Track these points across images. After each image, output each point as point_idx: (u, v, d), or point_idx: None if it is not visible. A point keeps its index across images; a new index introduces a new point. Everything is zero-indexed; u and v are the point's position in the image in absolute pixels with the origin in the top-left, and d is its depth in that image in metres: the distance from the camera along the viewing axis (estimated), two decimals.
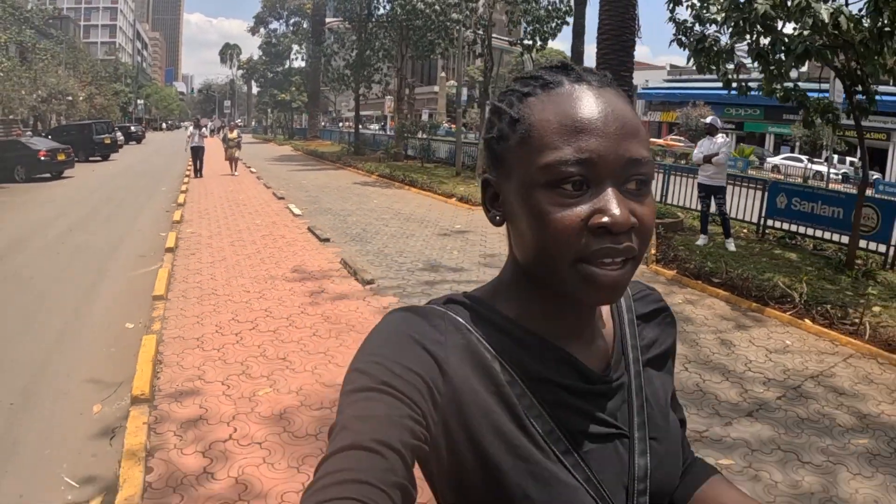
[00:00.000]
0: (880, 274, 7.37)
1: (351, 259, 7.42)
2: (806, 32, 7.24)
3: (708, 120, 9.24)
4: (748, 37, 7.80)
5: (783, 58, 7.55)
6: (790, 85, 8.48)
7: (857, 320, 5.53)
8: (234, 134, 18.76)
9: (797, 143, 34.91)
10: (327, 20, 34.90)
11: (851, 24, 6.75)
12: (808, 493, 3.06)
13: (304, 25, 39.61)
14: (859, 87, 7.76)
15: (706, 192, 8.56)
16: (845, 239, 8.28)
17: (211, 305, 5.73)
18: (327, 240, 8.75)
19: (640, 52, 12.22)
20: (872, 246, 8.19)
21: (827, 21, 6.55)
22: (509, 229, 0.68)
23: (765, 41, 7.71)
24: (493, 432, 0.63)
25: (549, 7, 17.57)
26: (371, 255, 7.83)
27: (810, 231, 9.09)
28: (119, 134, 30.62)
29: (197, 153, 17.94)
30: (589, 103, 0.60)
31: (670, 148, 35.35)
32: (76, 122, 29.93)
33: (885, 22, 6.59)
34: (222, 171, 18.77)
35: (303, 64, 39.54)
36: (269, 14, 42.28)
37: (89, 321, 5.49)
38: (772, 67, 7.78)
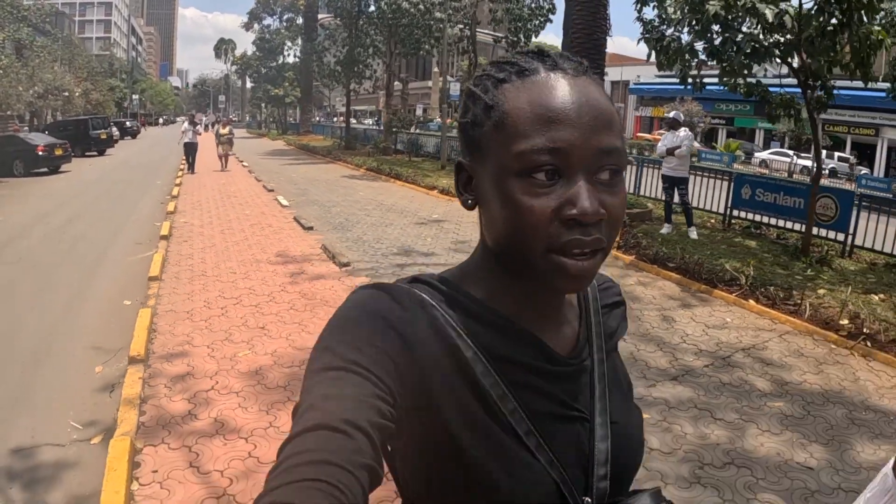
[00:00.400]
0: (835, 261, 7.88)
1: (331, 245, 8.04)
2: (756, 31, 7.83)
3: (671, 115, 9.78)
4: (707, 35, 8.37)
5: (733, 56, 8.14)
6: (752, 80, 9.01)
7: (799, 301, 5.87)
8: (226, 130, 18.60)
9: (786, 138, 35.39)
10: (320, 16, 35.36)
11: (797, 23, 7.33)
12: (714, 444, 3.44)
13: (298, 21, 40.03)
14: (819, 83, 8.29)
15: (670, 182, 9.10)
16: (798, 226, 8.83)
17: (200, 285, 6.34)
18: (311, 228, 9.37)
19: (635, 49, 12.67)
20: (833, 234, 8.58)
21: (771, 20, 7.13)
22: (481, 213, 0.68)
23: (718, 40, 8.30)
24: (458, 410, 0.63)
25: (532, 6, 18.13)
26: (350, 242, 8.45)
27: (773, 221, 9.58)
28: (115, 129, 31.17)
29: (189, 150, 17.71)
30: (563, 92, 0.61)
31: (657, 142, 35.86)
32: (73, 117, 30.40)
33: (826, 20, 7.15)
34: (215, 166, 19.20)
35: (296, 59, 39.95)
36: (262, 10, 42.66)
37: (91, 298, 6.09)
38: (725, 65, 8.36)
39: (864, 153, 32.48)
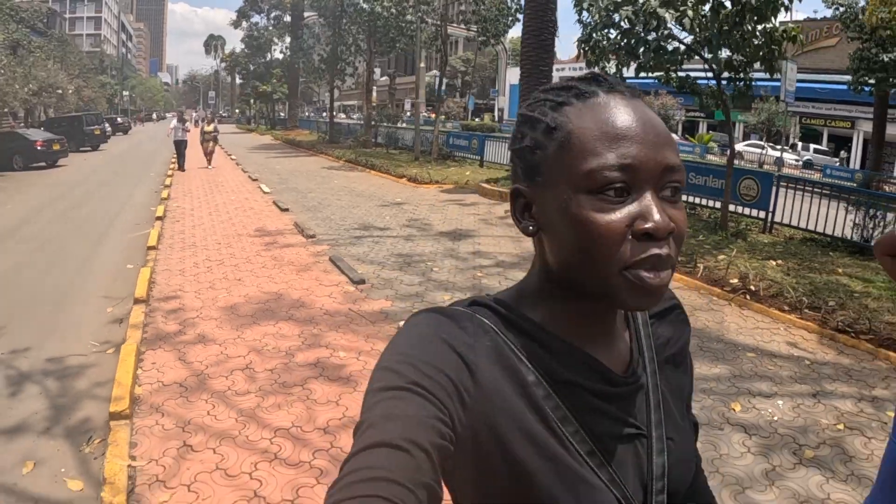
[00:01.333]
0: (751, 235, 9.18)
1: (301, 222, 9.39)
2: (664, 33, 9.18)
3: None
4: (626, 37, 9.72)
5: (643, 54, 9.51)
6: (683, 75, 10.35)
7: (696, 263, 6.87)
8: (211, 127, 18.49)
9: (762, 130, 36.53)
10: (306, 15, 36.52)
11: (696, 24, 8.65)
12: None
13: (286, 19, 41.12)
14: (737, 76, 9.60)
15: None
16: (732, 207, 10.11)
17: (190, 252, 7.67)
18: (287, 209, 10.71)
19: None
20: (756, 213, 9.88)
21: (670, 23, 8.45)
22: (542, 238, 0.68)
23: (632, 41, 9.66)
24: (521, 434, 0.64)
25: (500, 7, 19.44)
26: (319, 220, 9.79)
27: (706, 202, 10.90)
28: (107, 125, 32.26)
29: (179, 147, 17.75)
30: (626, 112, 0.62)
31: None
32: (67, 114, 31.48)
33: (722, 22, 8.48)
34: (203, 163, 20.29)
35: (283, 55, 41.06)
36: (251, 8, 43.68)
37: (99, 264, 7.40)
38: (640, 62, 9.73)
39: (841, 145, 33.71)
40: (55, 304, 5.92)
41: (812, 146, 33.00)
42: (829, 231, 8.90)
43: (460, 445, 0.60)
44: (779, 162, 22.47)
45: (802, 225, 9.29)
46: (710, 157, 31.90)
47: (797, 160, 30.83)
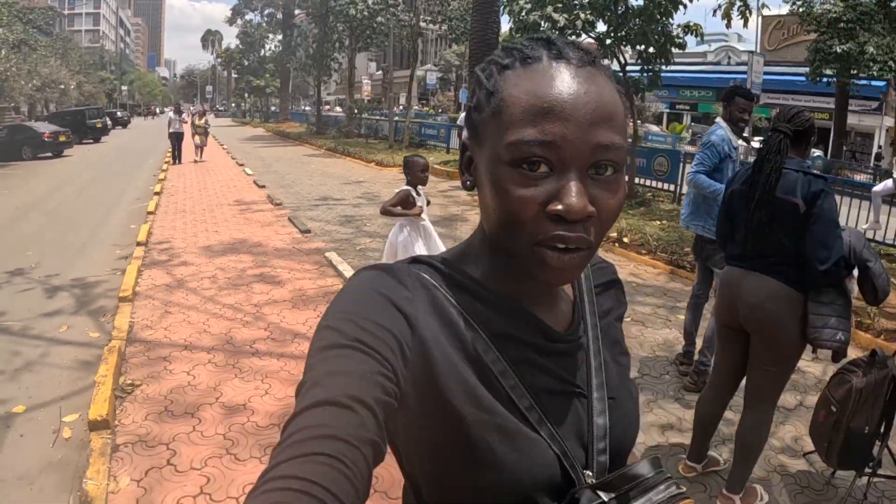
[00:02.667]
0: (656, 203, 11.04)
1: (273, 195, 11.38)
2: (569, 32, 11.05)
3: None
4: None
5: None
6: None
7: None
8: (202, 121, 18.44)
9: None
10: (296, 12, 38.35)
11: (587, 25, 10.52)
12: None
13: (278, 16, 42.92)
14: (647, 67, 11.45)
15: None
16: (650, 182, 11.92)
17: (181, 215, 9.64)
18: (263, 186, 12.70)
19: None
20: (668, 186, 11.63)
21: (563, 25, 10.33)
22: (479, 196, 0.68)
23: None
24: (460, 386, 0.64)
25: (466, 7, 21.32)
26: (289, 194, 11.77)
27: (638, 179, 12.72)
28: (108, 119, 34.18)
29: (175, 139, 17.90)
30: (563, 82, 0.60)
31: None
32: (70, 108, 33.42)
33: (586, 23, 10.36)
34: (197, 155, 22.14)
35: (274, 51, 42.86)
36: (245, 6, 45.44)
37: (108, 226, 9.35)
38: None
39: (821, 137, 35.11)
40: (76, 250, 7.87)
41: None
42: None
43: (403, 399, 0.61)
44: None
45: None
46: (686, 146, 33.12)
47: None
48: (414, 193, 4.37)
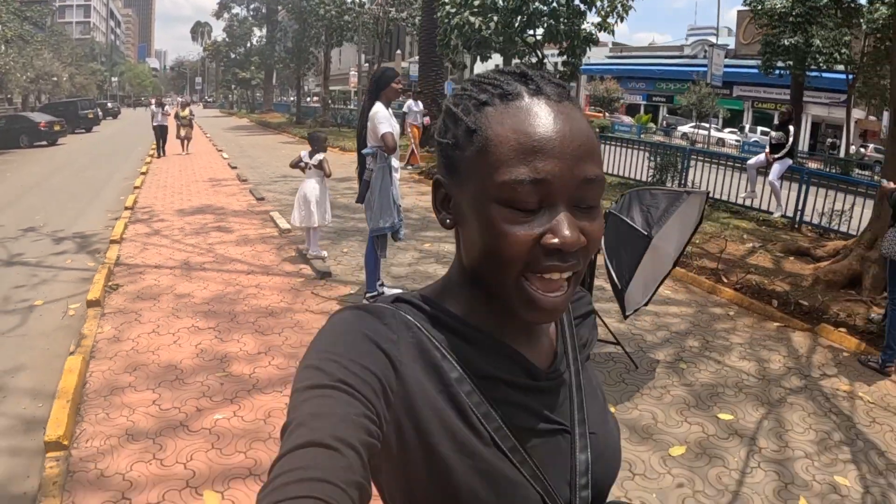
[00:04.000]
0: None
1: (242, 173, 13.34)
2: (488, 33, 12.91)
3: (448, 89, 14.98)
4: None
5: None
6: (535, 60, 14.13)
7: None
8: (186, 112, 18.19)
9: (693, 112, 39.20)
10: (279, 7, 40.01)
11: (500, 27, 12.38)
12: None
13: (263, 10, 44.50)
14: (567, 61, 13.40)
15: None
16: None
17: (162, 189, 11.59)
18: (235, 167, 14.65)
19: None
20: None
21: (478, 26, 12.20)
22: (458, 232, 0.69)
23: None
24: (443, 430, 0.65)
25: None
26: (256, 174, 13.73)
27: None
28: (99, 110, 35.88)
29: (160, 133, 17.78)
30: (547, 121, 0.61)
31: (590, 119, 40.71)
32: (63, 99, 35.08)
33: (501, 25, 12.26)
34: (179, 149, 23.87)
35: (258, 44, 44.46)
36: (231, 0, 46.91)
37: (102, 199, 11.26)
38: (476, 54, 13.59)
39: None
40: (76, 214, 9.79)
41: (759, 129, 34.54)
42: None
43: (386, 442, 0.61)
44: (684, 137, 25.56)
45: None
46: (657, 137, 34.04)
47: (738, 140, 32.42)
48: (306, 157, 6.36)
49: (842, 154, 28.03)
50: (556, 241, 0.60)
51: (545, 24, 12.31)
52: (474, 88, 0.66)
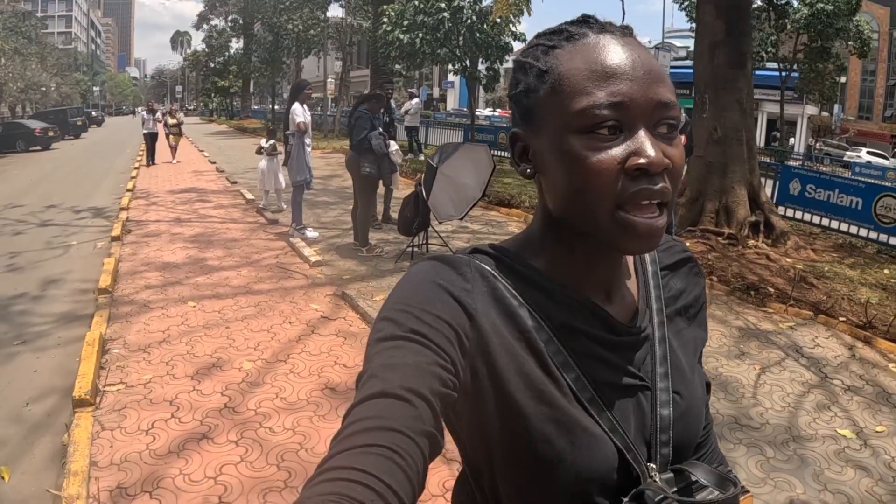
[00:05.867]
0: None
1: (220, 167, 16.01)
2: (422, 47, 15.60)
3: (412, 90, 17.66)
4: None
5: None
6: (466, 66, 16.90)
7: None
8: (175, 120, 17.77)
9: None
10: (255, 21, 42.50)
11: (425, 43, 15.07)
12: None
13: (241, 22, 46.90)
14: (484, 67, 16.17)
15: (407, 130, 17.04)
16: None
17: (154, 178, 14.23)
18: (214, 162, 17.31)
19: None
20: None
21: (406, 42, 14.88)
22: (541, 182, 0.69)
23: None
24: (520, 378, 0.64)
25: None
26: (231, 167, 16.39)
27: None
28: (86, 118, 38.14)
29: (151, 139, 17.28)
30: (616, 50, 0.62)
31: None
32: (53, 108, 37.34)
33: (424, 41, 14.99)
34: (167, 157, 26.47)
35: (236, 53, 46.85)
36: (210, 12, 49.23)
37: (102, 191, 13.80)
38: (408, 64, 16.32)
39: (771, 127, 36.02)
40: (87, 196, 12.36)
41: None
42: None
43: (463, 391, 0.61)
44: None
45: None
46: None
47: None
48: (264, 143, 9.03)
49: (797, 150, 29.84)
50: (641, 160, 0.60)
51: (462, 37, 15.01)
52: (541, 38, 0.68)
